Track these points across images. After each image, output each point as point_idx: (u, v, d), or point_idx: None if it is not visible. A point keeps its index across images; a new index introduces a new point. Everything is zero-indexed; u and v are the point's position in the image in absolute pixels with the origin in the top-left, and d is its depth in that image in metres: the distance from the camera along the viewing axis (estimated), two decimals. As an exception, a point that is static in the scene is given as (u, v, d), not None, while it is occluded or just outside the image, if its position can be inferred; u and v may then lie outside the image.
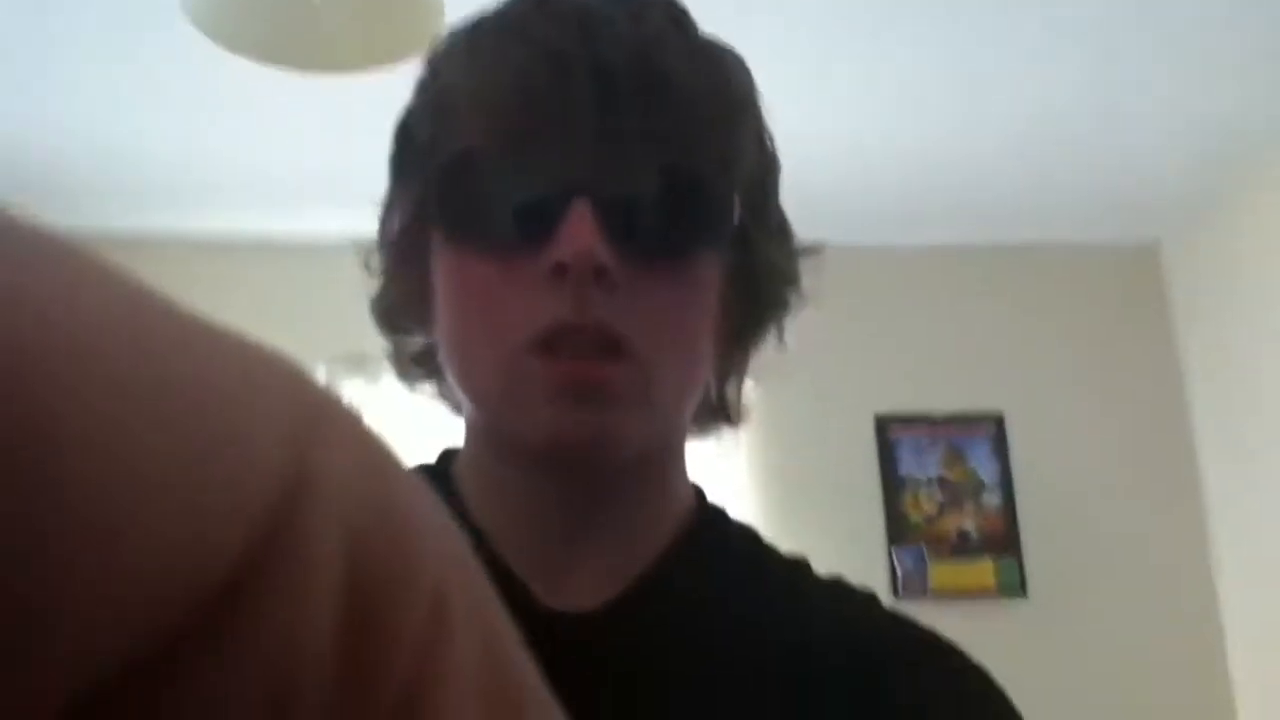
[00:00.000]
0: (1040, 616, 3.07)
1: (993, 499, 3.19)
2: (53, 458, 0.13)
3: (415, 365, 0.67)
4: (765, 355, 0.73)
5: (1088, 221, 3.33)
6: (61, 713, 0.13)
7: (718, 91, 0.59)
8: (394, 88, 0.65)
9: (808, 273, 0.68)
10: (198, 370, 0.15)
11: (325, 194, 2.96)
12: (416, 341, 0.66)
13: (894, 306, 3.35)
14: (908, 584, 3.07)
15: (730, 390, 0.69)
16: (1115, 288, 3.42)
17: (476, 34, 0.59)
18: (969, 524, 3.16)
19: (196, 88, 2.56)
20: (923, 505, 3.18)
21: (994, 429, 3.24)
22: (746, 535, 0.70)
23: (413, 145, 0.62)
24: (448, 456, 0.68)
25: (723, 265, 0.61)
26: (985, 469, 3.21)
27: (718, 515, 0.69)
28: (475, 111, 0.57)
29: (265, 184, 3.03)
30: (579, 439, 0.55)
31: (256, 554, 0.15)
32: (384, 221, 0.65)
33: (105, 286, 0.15)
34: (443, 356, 0.62)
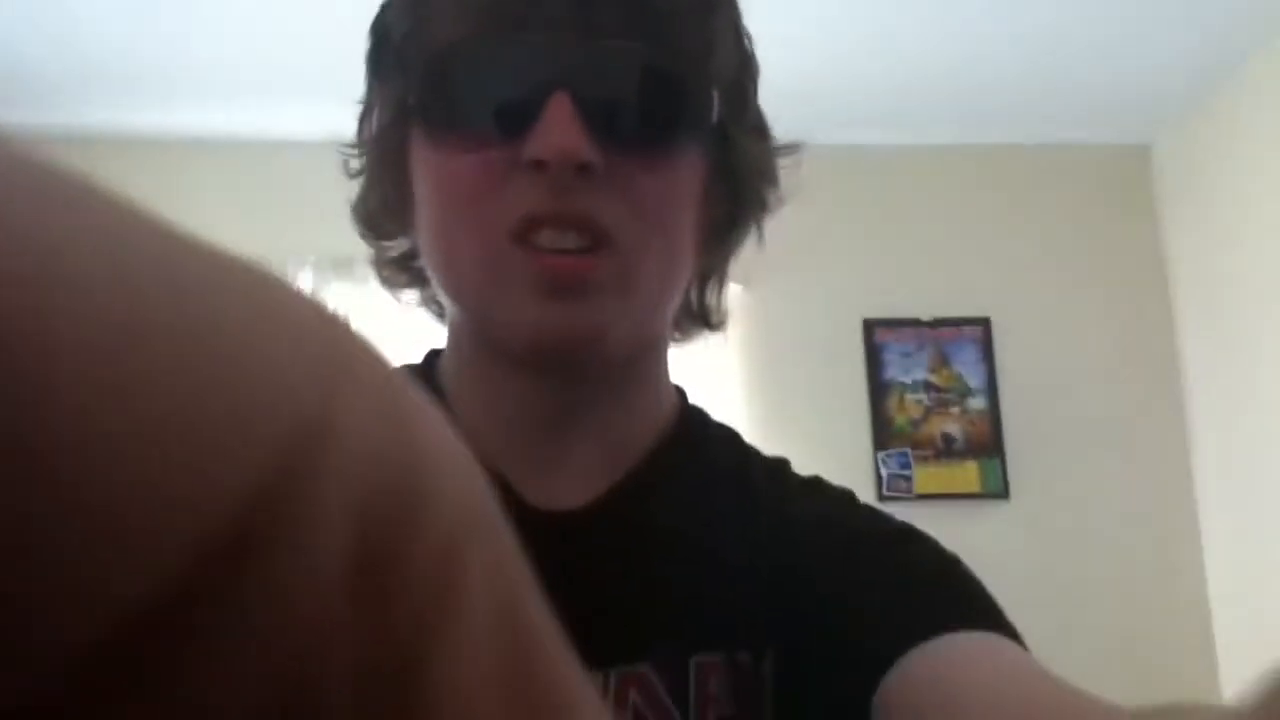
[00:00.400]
0: (1022, 518, 3.12)
1: (978, 403, 3.21)
2: (40, 383, 0.12)
3: (398, 270, 0.67)
4: (752, 258, 0.73)
5: (1078, 122, 3.30)
6: (78, 665, 0.13)
7: None
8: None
9: (787, 172, 0.68)
10: (209, 306, 0.15)
11: (311, 90, 2.91)
12: (399, 245, 0.66)
13: (882, 209, 3.33)
14: (893, 486, 3.11)
15: (711, 294, 0.70)
16: (1104, 189, 3.40)
17: None
18: (954, 428, 3.19)
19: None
20: (909, 409, 3.20)
21: (981, 333, 3.26)
22: (727, 435, 0.71)
23: (390, 42, 0.61)
24: (433, 357, 0.68)
25: (703, 162, 0.61)
26: (971, 373, 3.23)
27: (700, 415, 0.70)
28: (453, 6, 0.56)
29: (250, 79, 2.97)
30: (562, 335, 0.56)
31: (268, 502, 0.14)
32: (362, 122, 0.64)
33: (93, 209, 0.14)
34: (424, 253, 0.61)
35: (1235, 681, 2.96)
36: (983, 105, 3.17)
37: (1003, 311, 3.26)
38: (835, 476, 0.72)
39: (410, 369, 0.67)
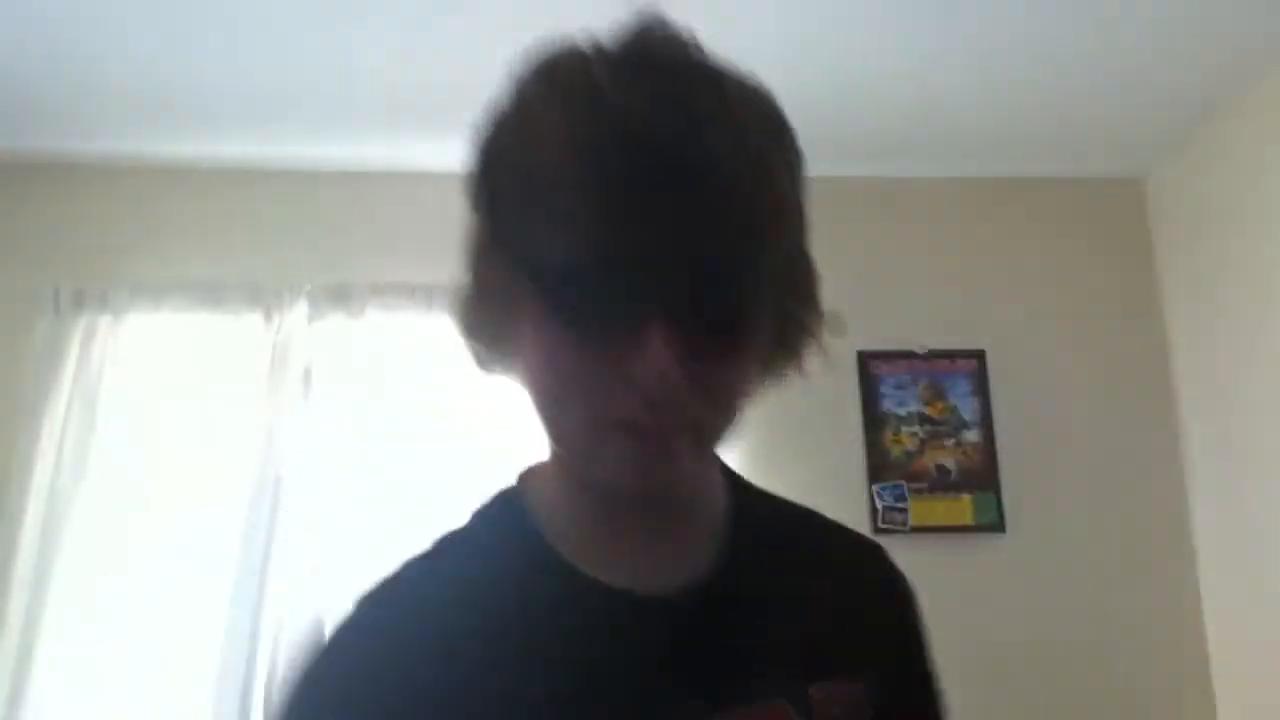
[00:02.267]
0: (1018, 551, 3.11)
1: (973, 435, 3.21)
2: None
3: (491, 359, 0.73)
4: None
5: (1072, 155, 3.32)
6: None
7: (776, 203, 0.63)
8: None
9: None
10: None
11: (312, 121, 2.92)
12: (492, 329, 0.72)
13: (877, 241, 3.34)
14: (888, 519, 3.11)
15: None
16: (1099, 222, 3.42)
17: (566, 93, 0.61)
18: (949, 460, 3.19)
19: (185, 4, 2.52)
20: (904, 441, 3.20)
21: (975, 365, 3.26)
22: (758, 489, 0.80)
23: (499, 192, 0.65)
24: (526, 477, 0.76)
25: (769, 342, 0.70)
26: (966, 405, 3.23)
27: (736, 475, 0.79)
28: (568, 208, 0.59)
29: (251, 109, 2.98)
30: (645, 489, 0.64)
31: None
32: (469, 243, 0.69)
33: None
34: (531, 399, 0.68)
35: (1234, 716, 2.95)
36: (977, 138, 3.19)
37: (997, 344, 3.27)
38: (831, 508, 0.74)
39: (504, 497, 0.76)
